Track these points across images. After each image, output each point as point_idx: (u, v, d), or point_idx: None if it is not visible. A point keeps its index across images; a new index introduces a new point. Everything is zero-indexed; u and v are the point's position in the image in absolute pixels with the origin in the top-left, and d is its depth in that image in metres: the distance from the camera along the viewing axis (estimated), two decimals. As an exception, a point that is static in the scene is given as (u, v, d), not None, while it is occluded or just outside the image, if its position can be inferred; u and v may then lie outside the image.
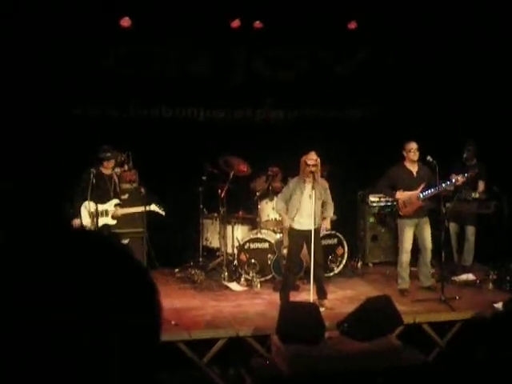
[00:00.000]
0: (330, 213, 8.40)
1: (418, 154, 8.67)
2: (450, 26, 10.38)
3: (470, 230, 9.60)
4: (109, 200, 8.47)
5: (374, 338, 6.97)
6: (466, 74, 10.62)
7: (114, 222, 8.54)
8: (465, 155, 9.42)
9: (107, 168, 8.51)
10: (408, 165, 8.78)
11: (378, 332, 7.04)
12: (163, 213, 8.78)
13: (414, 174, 8.77)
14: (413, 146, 8.69)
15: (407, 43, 10.74)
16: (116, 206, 8.37)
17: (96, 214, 8.26)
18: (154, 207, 8.78)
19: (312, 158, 8.03)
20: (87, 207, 8.32)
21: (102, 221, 8.42)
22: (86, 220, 8.35)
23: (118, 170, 9.46)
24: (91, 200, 8.20)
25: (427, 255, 8.74)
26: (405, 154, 8.75)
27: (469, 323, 7.70)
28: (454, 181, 8.69)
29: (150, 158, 9.69)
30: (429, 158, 8.50)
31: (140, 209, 8.75)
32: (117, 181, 8.61)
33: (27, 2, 9.30)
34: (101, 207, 8.39)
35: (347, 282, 9.57)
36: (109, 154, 8.45)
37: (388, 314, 7.20)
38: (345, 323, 7.20)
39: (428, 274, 8.86)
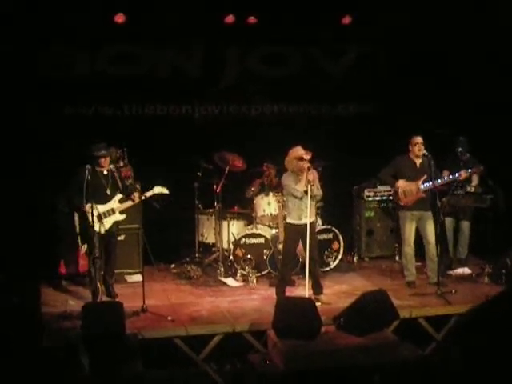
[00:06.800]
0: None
1: (423, 148, 8.66)
2: (440, 21, 10.37)
3: (465, 224, 9.64)
4: (105, 198, 8.25)
5: (370, 332, 6.99)
6: (459, 66, 10.61)
7: (123, 217, 8.36)
8: (458, 153, 9.44)
9: (104, 166, 8.26)
10: (412, 157, 8.82)
11: (374, 326, 7.06)
12: (167, 191, 8.52)
13: (418, 165, 8.81)
14: (418, 140, 8.72)
15: (401, 38, 10.72)
16: (121, 201, 8.23)
17: (102, 215, 8.14)
18: (157, 189, 8.45)
19: (304, 152, 7.97)
20: (93, 211, 7.88)
21: (111, 219, 8.24)
22: (95, 223, 7.95)
23: (112, 166, 9.43)
24: (87, 199, 7.86)
25: (431, 250, 8.71)
26: (410, 147, 8.80)
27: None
28: (457, 175, 8.74)
29: (145, 154, 9.69)
30: (424, 151, 8.55)
31: (145, 195, 8.40)
32: (117, 176, 8.39)
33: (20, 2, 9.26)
34: (106, 207, 8.22)
35: (343, 276, 9.57)
36: (104, 152, 8.22)
37: (384, 309, 7.22)
38: (341, 318, 7.21)
39: (435, 269, 8.59)
